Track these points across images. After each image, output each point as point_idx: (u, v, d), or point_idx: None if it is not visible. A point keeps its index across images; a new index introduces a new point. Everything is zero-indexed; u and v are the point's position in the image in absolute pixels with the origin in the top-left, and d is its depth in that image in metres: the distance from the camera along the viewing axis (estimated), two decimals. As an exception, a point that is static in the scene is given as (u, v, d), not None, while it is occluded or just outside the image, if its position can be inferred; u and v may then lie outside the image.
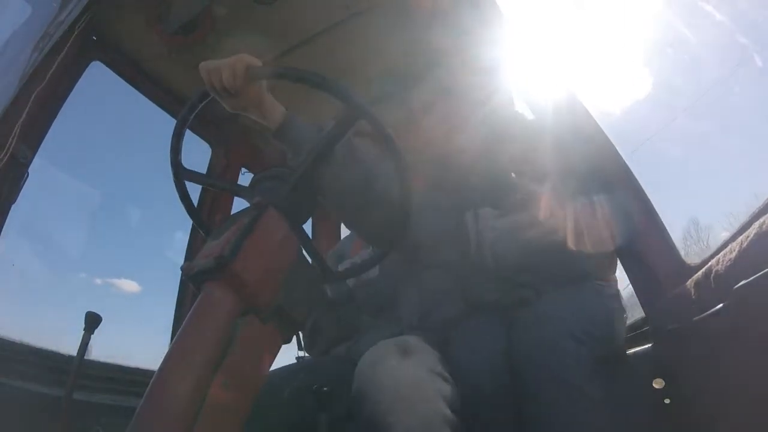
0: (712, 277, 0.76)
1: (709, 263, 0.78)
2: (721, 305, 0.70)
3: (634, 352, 0.97)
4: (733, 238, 0.74)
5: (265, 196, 0.74)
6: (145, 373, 1.65)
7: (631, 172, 1.05)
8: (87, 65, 1.39)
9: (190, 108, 0.84)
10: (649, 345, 0.96)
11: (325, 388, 0.81)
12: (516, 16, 1.24)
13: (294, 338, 0.81)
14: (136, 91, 1.60)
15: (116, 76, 1.52)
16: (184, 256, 1.77)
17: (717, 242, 0.87)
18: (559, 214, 0.86)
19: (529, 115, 1.22)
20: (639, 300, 1.03)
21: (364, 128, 0.76)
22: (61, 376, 1.13)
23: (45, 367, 1.32)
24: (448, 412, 0.71)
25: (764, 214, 0.70)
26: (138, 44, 1.51)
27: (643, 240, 1.00)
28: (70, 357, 1.12)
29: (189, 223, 1.72)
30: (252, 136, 1.86)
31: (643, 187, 1.03)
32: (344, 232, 1.95)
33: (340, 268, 1.14)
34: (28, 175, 1.19)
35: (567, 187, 0.96)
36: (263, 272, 0.62)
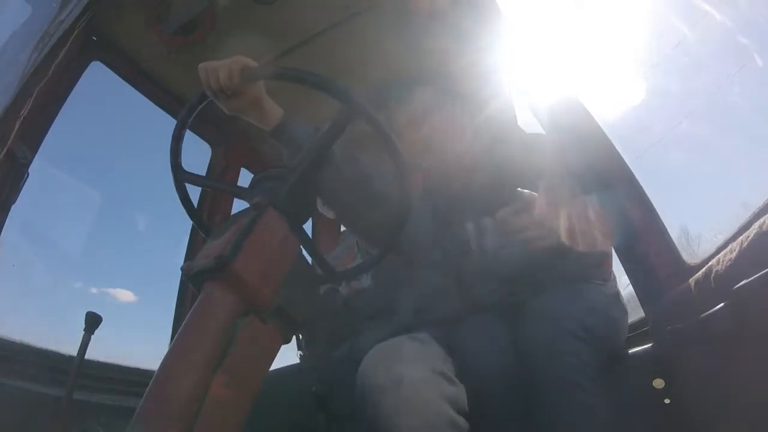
0: (712, 277, 0.76)
1: (709, 263, 0.78)
2: (721, 305, 0.70)
3: (634, 352, 0.97)
4: (733, 238, 0.74)
5: (264, 196, 0.74)
6: (145, 373, 1.64)
7: (631, 172, 1.05)
8: (87, 65, 1.39)
9: (188, 111, 0.84)
10: (649, 345, 0.95)
11: (325, 389, 0.81)
12: (516, 16, 1.23)
13: (294, 338, 0.81)
14: (136, 91, 1.60)
15: (116, 76, 1.52)
16: (183, 260, 1.77)
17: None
18: (556, 216, 0.86)
19: (529, 116, 1.23)
20: (639, 300, 1.03)
21: (361, 135, 0.77)
22: (61, 376, 1.13)
23: (45, 367, 1.32)
24: (452, 412, 0.71)
25: (764, 214, 0.70)
26: (138, 44, 1.50)
27: (643, 240, 1.00)
28: (70, 357, 1.12)
29: (188, 227, 1.73)
30: (252, 137, 1.87)
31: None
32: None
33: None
34: (28, 175, 1.19)
35: (566, 187, 0.96)
36: (263, 272, 0.62)
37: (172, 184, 0.87)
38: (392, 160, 0.77)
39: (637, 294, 1.03)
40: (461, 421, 0.72)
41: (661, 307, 0.96)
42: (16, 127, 1.12)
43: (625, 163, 1.06)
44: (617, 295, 0.97)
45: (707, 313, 0.73)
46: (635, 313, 1.07)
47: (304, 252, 0.76)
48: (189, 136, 0.88)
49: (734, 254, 0.71)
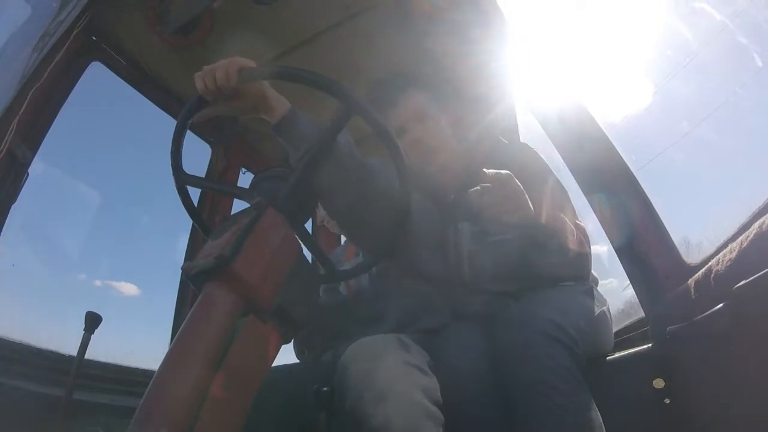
0: (712, 277, 0.76)
1: (709, 263, 0.78)
2: (721, 305, 0.70)
3: (634, 352, 0.97)
4: (733, 238, 0.74)
5: (264, 196, 0.74)
6: (145, 373, 1.65)
7: (631, 172, 1.05)
8: (87, 65, 1.39)
9: (187, 113, 0.83)
10: (649, 345, 0.95)
11: (325, 388, 0.81)
12: (516, 16, 1.23)
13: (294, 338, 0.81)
14: (136, 92, 1.60)
15: (116, 76, 1.52)
16: (183, 257, 1.77)
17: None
18: (532, 220, 0.86)
19: (529, 117, 1.22)
20: (639, 300, 1.03)
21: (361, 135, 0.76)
22: (61, 376, 1.13)
23: (45, 367, 1.32)
24: (426, 402, 0.73)
25: (764, 214, 0.70)
26: (138, 44, 1.50)
27: (643, 240, 1.00)
28: (70, 357, 1.13)
29: (189, 226, 1.73)
30: (252, 137, 1.87)
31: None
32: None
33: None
34: (28, 175, 1.20)
35: (546, 189, 0.96)
36: (263, 272, 0.62)
37: (172, 182, 0.87)
38: (391, 156, 0.77)
39: (637, 294, 1.03)
40: (435, 410, 0.73)
41: (661, 307, 0.96)
42: (16, 127, 1.12)
43: (625, 163, 1.06)
44: (590, 291, 0.96)
45: (707, 313, 0.73)
46: (635, 313, 1.07)
47: (305, 251, 0.76)
48: (189, 136, 0.88)
49: (734, 254, 0.71)
